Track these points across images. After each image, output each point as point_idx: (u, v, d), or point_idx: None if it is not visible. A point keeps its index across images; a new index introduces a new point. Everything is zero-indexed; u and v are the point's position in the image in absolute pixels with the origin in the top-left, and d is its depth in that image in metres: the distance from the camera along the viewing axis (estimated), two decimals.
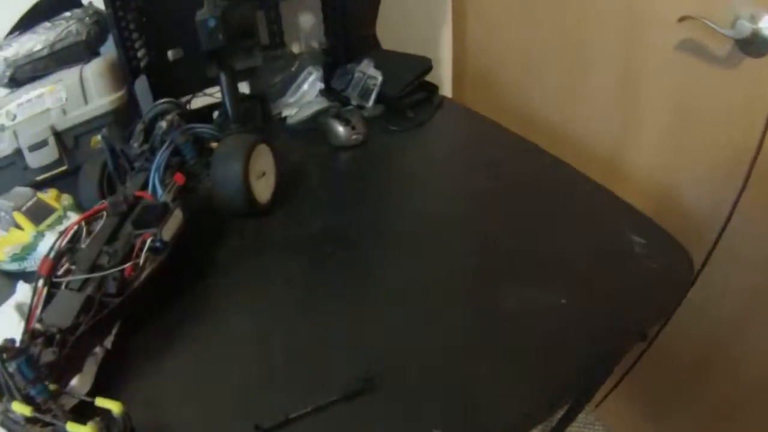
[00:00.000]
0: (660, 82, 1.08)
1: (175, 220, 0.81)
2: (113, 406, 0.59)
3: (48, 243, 0.90)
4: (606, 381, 0.79)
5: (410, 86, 1.26)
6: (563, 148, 1.06)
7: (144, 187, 0.87)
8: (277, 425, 0.65)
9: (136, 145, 0.92)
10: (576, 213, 0.90)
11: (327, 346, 0.75)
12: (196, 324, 0.79)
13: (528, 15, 1.40)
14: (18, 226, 0.95)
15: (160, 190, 0.86)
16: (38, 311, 0.72)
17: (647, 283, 0.75)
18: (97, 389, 0.68)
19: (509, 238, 0.86)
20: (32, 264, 0.94)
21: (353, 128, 1.15)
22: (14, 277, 0.92)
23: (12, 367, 0.58)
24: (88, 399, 0.62)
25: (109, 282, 0.73)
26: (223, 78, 1.07)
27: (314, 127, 1.22)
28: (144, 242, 0.77)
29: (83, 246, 0.79)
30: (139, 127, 0.94)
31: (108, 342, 0.73)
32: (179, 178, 0.89)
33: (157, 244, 0.77)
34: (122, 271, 0.74)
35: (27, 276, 0.92)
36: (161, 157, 0.88)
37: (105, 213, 0.83)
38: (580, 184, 0.95)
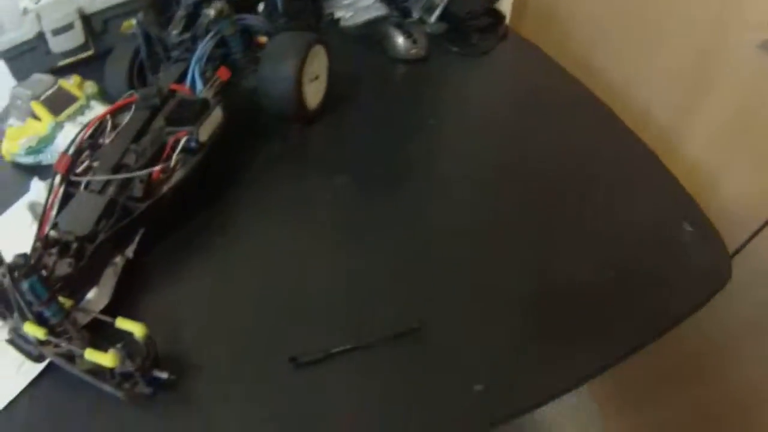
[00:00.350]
0: (733, 75, 0.97)
1: (215, 119, 0.71)
2: (135, 329, 0.51)
3: (67, 135, 0.82)
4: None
5: (480, 9, 1.13)
6: (617, 110, 0.96)
7: (181, 79, 0.76)
8: (315, 360, 0.58)
9: (175, 32, 0.81)
10: (633, 186, 0.81)
11: (368, 279, 0.68)
12: (225, 237, 0.72)
13: None
14: (35, 117, 0.86)
15: (199, 84, 0.75)
16: (53, 213, 0.65)
17: (690, 276, 0.70)
18: (113, 305, 0.61)
19: (561, 198, 0.78)
20: (49, 158, 0.85)
21: (414, 42, 1.03)
22: (29, 171, 0.84)
23: (24, 285, 0.50)
24: (107, 319, 0.54)
25: (134, 184, 0.64)
26: None
27: (369, 33, 1.10)
28: (177, 141, 0.67)
29: (107, 141, 0.70)
30: (181, 12, 0.82)
31: (129, 251, 0.65)
32: (223, 73, 0.78)
33: (192, 144, 0.68)
34: (150, 172, 0.64)
35: (42, 171, 0.83)
36: (205, 47, 0.77)
37: (134, 106, 0.72)
38: (641, 156, 0.85)
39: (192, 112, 0.69)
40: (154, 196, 0.64)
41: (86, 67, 1.07)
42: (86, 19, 1.07)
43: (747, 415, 1.10)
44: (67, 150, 0.69)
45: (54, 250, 0.58)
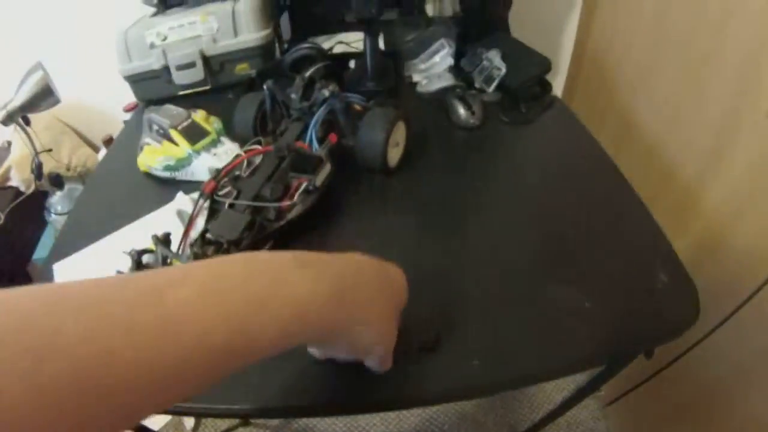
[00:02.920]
0: (761, 135, 1.16)
1: (326, 169, 1.08)
2: None
3: (202, 161, 1.22)
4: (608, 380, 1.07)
5: (531, 80, 1.48)
6: (651, 161, 1.33)
7: (299, 137, 1.15)
8: None
9: (294, 96, 1.19)
10: (620, 235, 1.04)
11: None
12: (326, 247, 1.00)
13: (658, 24, 1.61)
14: (173, 142, 1.24)
15: (315, 144, 1.13)
16: (198, 221, 1.00)
17: (653, 322, 0.87)
18: None
19: (557, 242, 1.04)
20: (182, 175, 1.24)
21: (473, 113, 1.38)
22: (162, 182, 1.25)
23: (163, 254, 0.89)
24: None
25: (269, 210, 1.01)
26: (367, 39, 1.41)
27: (439, 99, 1.46)
28: (300, 185, 1.05)
29: (244, 175, 1.08)
30: (299, 82, 1.19)
31: None
32: (333, 138, 1.16)
33: (310, 188, 1.04)
34: (280, 205, 1.02)
35: (177, 184, 1.22)
36: (319, 116, 1.16)
37: (264, 154, 1.11)
38: (635, 207, 1.09)
39: (310, 164, 1.07)
40: (281, 220, 1.00)
41: (199, 97, 1.51)
42: (206, 59, 1.49)
43: None
44: (214, 176, 1.07)
45: (210, 248, 0.95)
